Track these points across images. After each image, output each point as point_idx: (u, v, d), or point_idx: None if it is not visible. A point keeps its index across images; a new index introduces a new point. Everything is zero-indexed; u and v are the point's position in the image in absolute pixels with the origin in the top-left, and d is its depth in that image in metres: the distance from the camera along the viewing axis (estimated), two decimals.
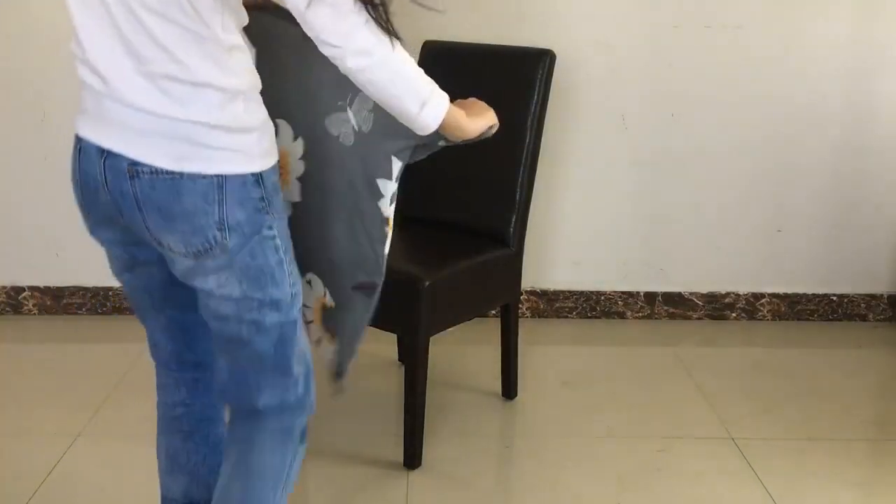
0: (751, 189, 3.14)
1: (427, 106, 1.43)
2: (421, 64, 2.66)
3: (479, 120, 1.61)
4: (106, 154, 1.37)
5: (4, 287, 3.16)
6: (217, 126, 1.32)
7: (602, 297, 3.24)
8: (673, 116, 3.07)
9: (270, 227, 1.41)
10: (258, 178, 1.37)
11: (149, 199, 1.34)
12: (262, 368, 1.49)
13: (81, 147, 1.46)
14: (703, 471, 2.28)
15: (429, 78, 1.45)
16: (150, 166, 1.32)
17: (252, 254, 1.39)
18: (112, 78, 1.35)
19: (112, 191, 1.38)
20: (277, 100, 1.52)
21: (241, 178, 1.35)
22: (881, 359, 3.03)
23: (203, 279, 1.40)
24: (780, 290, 3.25)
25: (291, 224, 1.52)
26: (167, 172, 1.31)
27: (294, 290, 1.48)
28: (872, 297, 3.27)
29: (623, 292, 3.24)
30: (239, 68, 1.35)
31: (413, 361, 2.21)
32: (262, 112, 1.40)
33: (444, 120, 1.47)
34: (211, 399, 1.68)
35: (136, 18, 1.29)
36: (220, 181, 1.33)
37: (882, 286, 3.27)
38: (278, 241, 1.43)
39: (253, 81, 1.38)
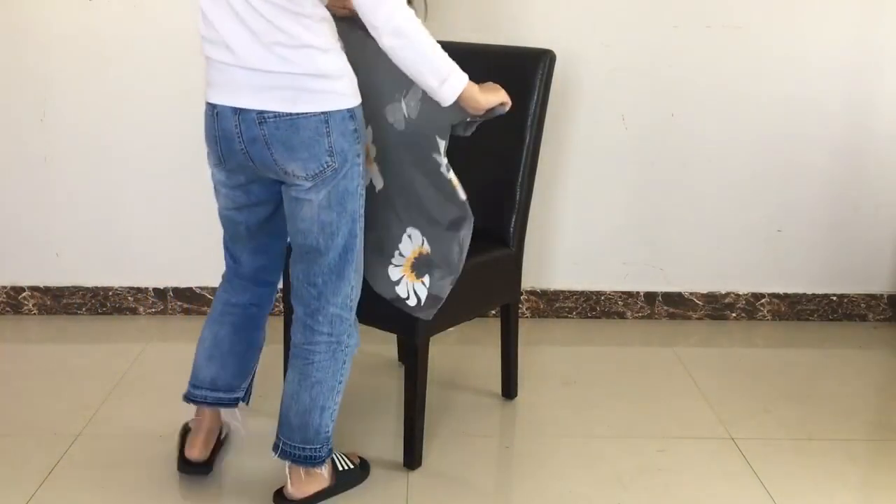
0: (751, 189, 3.14)
1: (447, 83, 1.83)
2: None
3: (492, 95, 1.94)
4: (239, 112, 1.80)
5: (4, 287, 3.16)
6: (317, 75, 1.77)
7: (602, 297, 3.24)
8: (673, 116, 3.07)
9: (358, 155, 1.86)
10: (352, 113, 1.83)
11: (274, 137, 1.79)
12: (329, 272, 1.91)
13: (217, 111, 1.86)
14: (703, 471, 2.28)
15: (450, 60, 1.85)
16: (273, 112, 1.78)
17: (347, 176, 1.84)
18: (238, 49, 1.77)
19: (245, 139, 1.82)
20: None
21: (341, 114, 1.80)
22: (881, 359, 3.03)
23: (309, 194, 1.84)
24: (780, 290, 3.26)
25: (384, 196, 2.05)
26: (286, 115, 1.77)
27: (361, 211, 1.91)
28: (872, 297, 3.27)
29: (623, 292, 3.24)
30: (327, 32, 1.79)
31: (413, 361, 2.21)
32: (343, 62, 1.82)
33: (461, 94, 1.85)
34: (265, 311, 2.17)
35: (249, 5, 1.73)
36: (326, 117, 1.79)
37: (882, 286, 3.27)
38: (361, 169, 1.88)
39: (336, 41, 1.81)
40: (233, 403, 2.21)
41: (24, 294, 3.17)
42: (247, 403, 2.31)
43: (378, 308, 2.25)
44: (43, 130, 3.02)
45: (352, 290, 1.98)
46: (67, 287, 3.16)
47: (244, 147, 1.83)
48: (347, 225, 1.89)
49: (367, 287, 2.17)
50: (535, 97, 2.40)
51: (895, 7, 2.98)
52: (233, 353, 2.16)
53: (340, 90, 1.81)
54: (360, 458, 2.23)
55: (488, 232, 2.45)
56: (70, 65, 2.96)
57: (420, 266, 2.11)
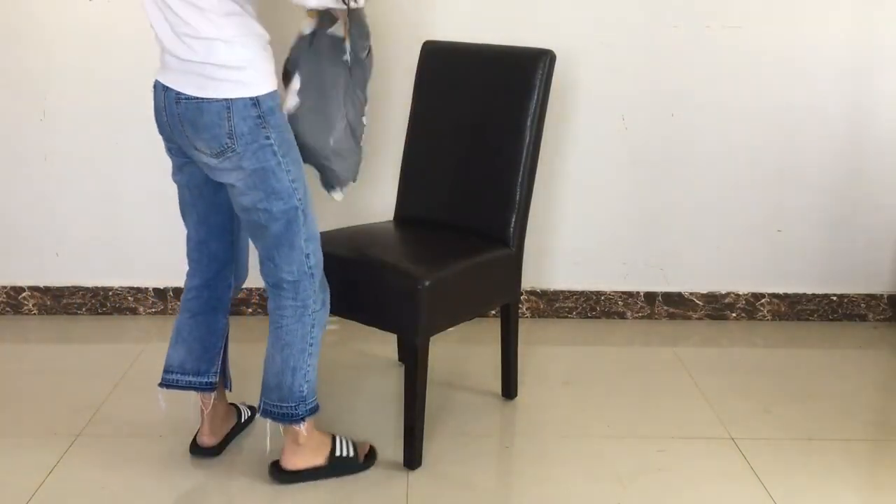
0: (751, 189, 3.14)
1: None
2: (421, 64, 2.68)
3: None
4: (165, 89, 1.99)
5: (4, 287, 3.16)
6: (219, 65, 1.91)
7: (602, 297, 3.24)
8: (673, 116, 3.07)
9: (268, 138, 1.96)
10: (255, 101, 1.93)
11: (185, 117, 1.96)
12: (278, 245, 2.04)
13: (155, 86, 2.04)
14: (703, 471, 2.28)
15: None
16: (185, 94, 1.94)
17: (256, 157, 1.95)
18: (163, 39, 1.96)
19: (168, 114, 2.00)
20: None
21: (243, 101, 1.92)
22: (881, 359, 3.03)
23: (227, 175, 1.98)
24: (780, 290, 3.25)
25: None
26: (194, 98, 1.93)
27: (294, 185, 2.01)
28: (872, 297, 3.27)
29: (623, 292, 3.24)
30: (234, 25, 1.91)
31: (413, 361, 2.21)
32: (252, 53, 1.93)
33: None
34: (217, 293, 2.25)
35: (164, 2, 1.92)
36: (228, 103, 1.91)
37: (882, 286, 3.27)
38: (275, 148, 1.97)
39: (244, 33, 1.92)
40: (208, 387, 2.26)
41: (24, 294, 3.17)
42: (229, 389, 2.34)
43: (378, 308, 2.26)
44: (43, 130, 3.02)
45: (307, 257, 2.08)
46: (67, 287, 3.16)
47: (167, 120, 2.02)
48: (282, 200, 2.00)
49: (365, 288, 2.18)
50: (535, 97, 2.40)
51: (894, 7, 2.98)
52: (194, 338, 2.24)
53: (244, 80, 1.93)
54: (370, 447, 2.30)
55: (488, 232, 2.45)
56: (70, 65, 2.96)
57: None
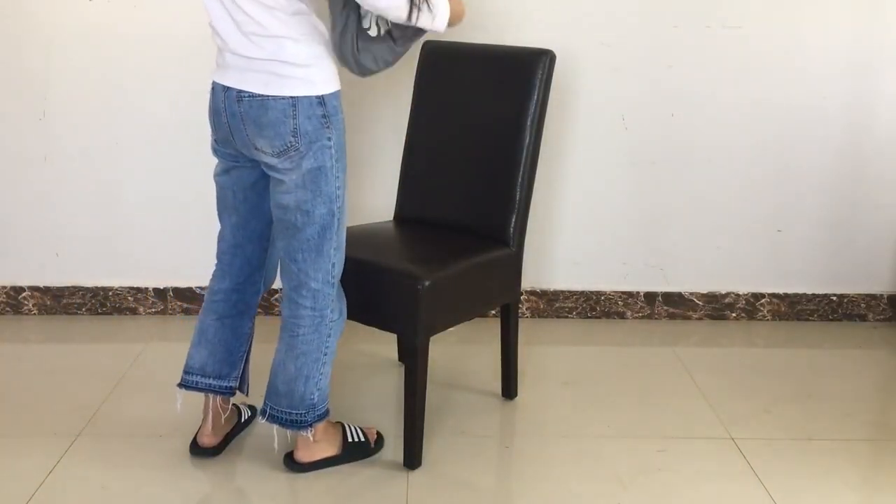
0: (751, 189, 3.14)
1: (437, 18, 2.04)
2: (421, 64, 2.68)
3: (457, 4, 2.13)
4: (225, 90, 1.99)
5: (4, 287, 3.16)
6: (286, 62, 1.93)
7: (602, 297, 3.24)
8: (673, 116, 3.07)
9: (329, 139, 1.98)
10: (321, 100, 1.96)
11: (248, 115, 1.96)
12: (307, 249, 2.03)
13: (213, 88, 2.05)
14: (703, 471, 2.28)
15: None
16: (248, 92, 1.95)
17: (315, 157, 1.97)
18: (226, 38, 1.97)
19: (228, 114, 2.00)
20: None
21: (308, 100, 1.94)
22: (881, 359, 3.03)
23: (282, 173, 1.98)
24: (780, 290, 3.25)
25: None
26: (259, 96, 1.94)
27: (339, 192, 2.02)
28: (872, 297, 3.27)
29: (623, 292, 3.24)
30: (299, 24, 1.94)
31: (413, 361, 2.21)
32: (319, 51, 1.97)
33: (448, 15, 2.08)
34: (246, 298, 2.24)
35: (234, 2, 1.93)
36: (294, 101, 1.93)
37: (882, 286, 3.27)
38: (333, 151, 1.99)
39: (310, 31, 1.95)
40: (227, 391, 2.26)
41: (24, 294, 3.17)
42: (245, 394, 2.33)
43: (378, 308, 2.26)
44: (43, 130, 3.02)
45: (333, 266, 2.07)
46: (67, 287, 3.16)
47: (227, 121, 2.01)
48: (325, 204, 2.00)
49: (365, 288, 2.18)
50: (535, 97, 2.40)
51: (895, 7, 2.98)
52: (218, 341, 2.24)
53: (311, 77, 1.95)
54: (378, 433, 2.33)
55: (488, 232, 2.45)
56: (70, 65, 2.96)
57: None
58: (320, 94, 1.96)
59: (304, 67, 1.94)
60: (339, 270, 2.10)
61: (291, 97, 1.93)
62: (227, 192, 2.17)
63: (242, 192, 2.14)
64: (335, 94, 1.99)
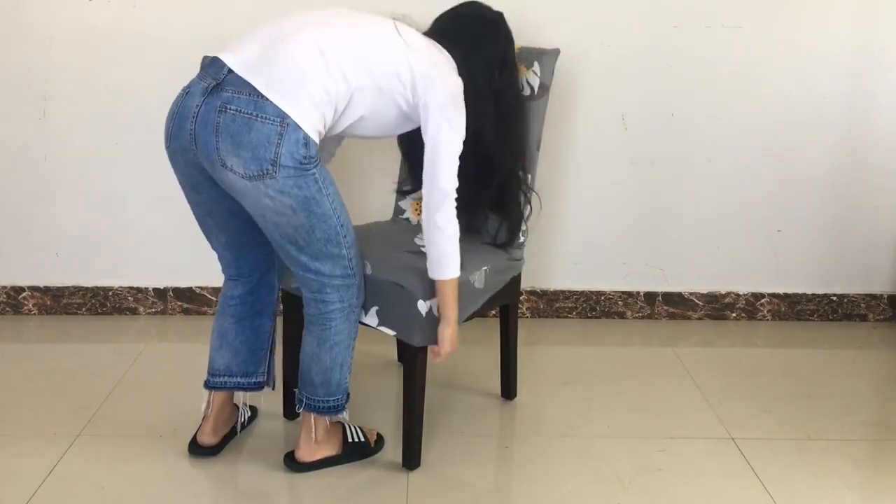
0: (751, 189, 3.14)
1: (443, 271, 2.06)
2: None
3: (451, 327, 2.10)
4: (207, 95, 1.89)
5: (4, 287, 3.16)
6: (314, 82, 1.86)
7: (602, 297, 3.24)
8: (673, 116, 3.07)
9: (312, 174, 1.89)
10: (306, 141, 1.85)
11: (225, 128, 1.84)
12: (318, 258, 2.00)
13: (189, 91, 1.95)
14: (703, 471, 2.28)
15: (457, 261, 2.06)
16: (233, 108, 1.85)
17: (297, 185, 1.87)
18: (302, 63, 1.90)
19: (199, 122, 1.89)
20: None
21: (296, 134, 1.84)
22: (881, 359, 3.03)
23: (257, 201, 1.89)
24: (780, 290, 3.26)
25: None
26: (246, 113, 1.84)
27: (334, 206, 1.95)
28: (872, 297, 3.27)
29: (623, 292, 3.24)
30: (353, 84, 1.93)
31: (413, 361, 2.21)
32: (330, 117, 1.93)
33: (445, 280, 2.06)
34: (262, 298, 2.23)
35: (320, 47, 1.93)
36: (282, 131, 1.83)
37: (882, 286, 3.27)
38: (317, 177, 1.90)
39: (343, 108, 1.95)
40: (255, 387, 2.29)
41: (24, 294, 3.17)
42: (272, 388, 2.35)
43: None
44: (43, 130, 3.02)
45: (350, 261, 2.06)
46: (67, 287, 3.16)
47: (192, 127, 1.91)
48: (325, 221, 1.96)
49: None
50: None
51: (894, 8, 2.98)
52: (240, 341, 2.24)
53: (308, 116, 1.87)
54: (377, 433, 2.34)
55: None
56: (70, 65, 2.96)
57: None
58: (307, 134, 1.86)
59: (315, 108, 1.87)
60: (357, 260, 2.08)
61: (281, 118, 1.83)
62: (206, 219, 2.11)
63: (223, 209, 2.06)
64: (316, 146, 1.90)
